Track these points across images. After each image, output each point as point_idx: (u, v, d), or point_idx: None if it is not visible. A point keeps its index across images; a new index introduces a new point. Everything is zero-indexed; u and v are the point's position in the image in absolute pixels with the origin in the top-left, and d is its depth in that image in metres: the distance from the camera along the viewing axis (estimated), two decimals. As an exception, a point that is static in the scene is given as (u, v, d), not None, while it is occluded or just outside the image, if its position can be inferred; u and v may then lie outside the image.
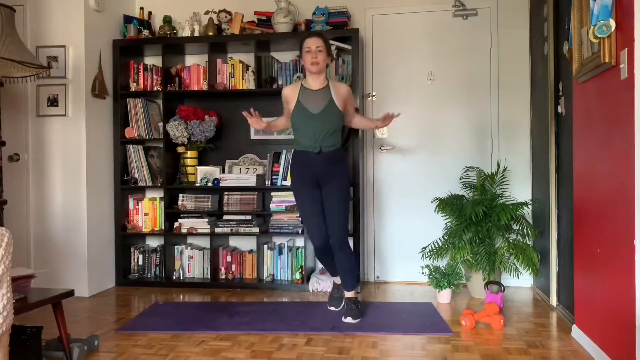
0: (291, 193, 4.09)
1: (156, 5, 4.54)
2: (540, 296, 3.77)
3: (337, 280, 3.48)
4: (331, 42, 4.03)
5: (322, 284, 3.97)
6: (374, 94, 4.32)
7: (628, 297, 2.18)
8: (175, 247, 4.31)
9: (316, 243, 3.28)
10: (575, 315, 2.88)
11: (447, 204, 3.85)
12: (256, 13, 4.27)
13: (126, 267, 4.30)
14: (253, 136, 4.38)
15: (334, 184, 3.22)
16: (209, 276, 4.18)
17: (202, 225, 4.20)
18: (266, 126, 3.27)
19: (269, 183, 4.11)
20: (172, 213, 4.25)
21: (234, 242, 4.45)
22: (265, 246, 4.16)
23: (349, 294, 3.30)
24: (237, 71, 4.19)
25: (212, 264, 4.14)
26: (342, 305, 3.40)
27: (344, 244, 3.25)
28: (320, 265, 4.34)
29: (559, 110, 3.33)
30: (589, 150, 2.66)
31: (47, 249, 3.88)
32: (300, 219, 3.86)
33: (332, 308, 3.44)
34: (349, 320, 3.15)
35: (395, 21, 4.31)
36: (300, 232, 4.06)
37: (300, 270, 4.09)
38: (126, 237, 4.29)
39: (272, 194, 4.15)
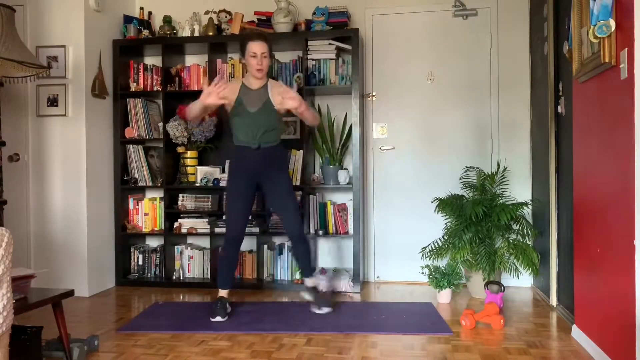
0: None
1: (156, 5, 4.54)
2: (540, 296, 3.77)
3: (225, 293, 3.34)
4: (331, 42, 4.05)
5: (322, 284, 3.96)
6: (374, 94, 4.32)
7: (628, 297, 2.18)
8: (175, 247, 4.31)
9: (231, 234, 3.29)
10: (575, 315, 2.88)
11: (447, 204, 3.85)
12: (256, 13, 4.27)
13: (126, 267, 4.30)
14: (253, 136, 4.38)
15: (277, 178, 3.32)
16: (209, 276, 4.18)
17: (202, 225, 4.20)
18: (206, 108, 3.21)
19: (269, 183, 4.11)
20: (172, 213, 4.25)
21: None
22: (265, 246, 4.16)
23: (309, 282, 3.42)
24: (237, 71, 4.19)
25: (212, 264, 4.14)
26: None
27: (303, 233, 3.37)
28: (320, 265, 4.34)
29: (559, 110, 3.33)
30: (589, 150, 2.66)
31: (47, 249, 3.88)
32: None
33: (218, 318, 3.21)
34: (325, 310, 3.28)
35: (395, 21, 4.31)
36: (300, 232, 4.06)
37: (300, 270, 4.08)
38: (126, 237, 4.29)
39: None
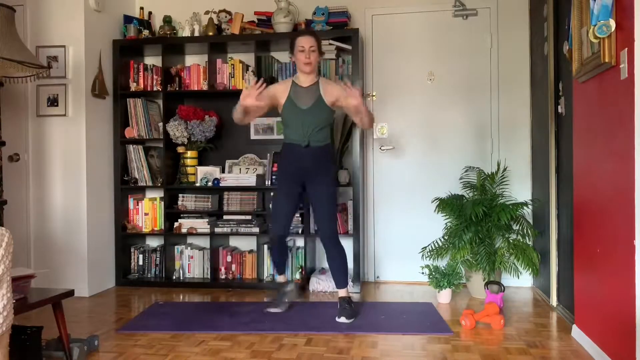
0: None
1: (156, 5, 4.54)
2: (540, 296, 3.77)
3: (282, 278, 3.50)
4: (331, 42, 4.05)
5: (322, 284, 3.97)
6: (374, 94, 4.32)
7: (628, 297, 2.18)
8: (175, 247, 4.31)
9: (276, 232, 3.32)
10: (575, 315, 2.88)
11: (447, 204, 3.85)
12: (256, 13, 4.27)
13: (126, 267, 4.30)
14: (253, 136, 4.38)
15: (320, 180, 3.27)
16: (209, 276, 4.18)
17: (202, 225, 4.20)
18: (248, 109, 3.11)
19: (269, 183, 4.11)
20: (172, 213, 4.25)
21: (234, 242, 4.45)
22: (265, 246, 4.16)
23: (342, 293, 3.31)
24: (237, 71, 4.19)
25: (212, 264, 4.14)
26: (286, 305, 3.38)
27: (336, 240, 3.29)
28: (320, 265, 4.34)
29: (559, 110, 3.33)
30: (589, 150, 2.66)
31: (47, 249, 3.88)
32: (271, 207, 3.64)
33: (275, 309, 3.33)
34: (342, 320, 3.14)
35: (395, 21, 4.31)
36: (300, 232, 4.06)
37: (300, 270, 4.09)
38: (126, 237, 4.29)
39: (272, 193, 4.14)
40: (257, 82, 3.06)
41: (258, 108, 3.14)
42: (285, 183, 3.31)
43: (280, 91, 3.29)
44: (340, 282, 3.31)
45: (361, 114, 3.15)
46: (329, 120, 3.32)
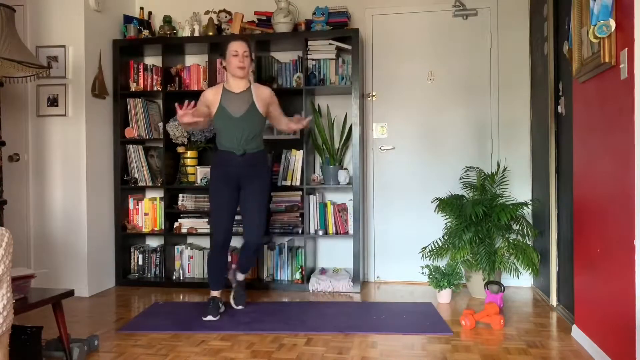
0: (291, 193, 4.13)
1: (156, 5, 4.54)
2: (540, 296, 3.77)
3: (217, 294, 3.40)
4: (331, 42, 4.05)
5: (322, 284, 3.97)
6: (374, 94, 4.32)
7: (628, 297, 2.18)
8: (175, 247, 4.31)
9: (218, 238, 3.32)
10: (575, 315, 2.88)
11: (447, 204, 3.85)
12: (256, 13, 4.27)
13: (126, 267, 4.30)
14: (253, 136, 4.37)
15: (255, 185, 3.31)
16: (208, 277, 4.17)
17: (202, 225, 4.20)
18: (192, 123, 3.09)
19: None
20: (172, 213, 4.25)
21: (234, 242, 4.40)
22: (265, 246, 4.15)
23: (241, 277, 3.53)
24: (237, 71, 4.18)
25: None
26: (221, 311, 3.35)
27: (259, 246, 3.41)
28: (320, 265, 4.34)
29: (559, 110, 3.33)
30: (589, 150, 2.66)
31: (47, 249, 3.88)
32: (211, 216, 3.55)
33: (210, 317, 3.23)
34: (239, 307, 3.40)
35: (395, 21, 4.30)
36: (300, 232, 4.06)
37: (300, 270, 4.09)
38: (126, 237, 4.29)
39: (272, 194, 4.15)
40: (182, 106, 3.00)
41: (199, 120, 3.10)
42: (224, 189, 3.31)
43: (212, 98, 3.28)
44: (245, 269, 3.53)
45: (286, 127, 3.36)
46: (262, 127, 3.36)
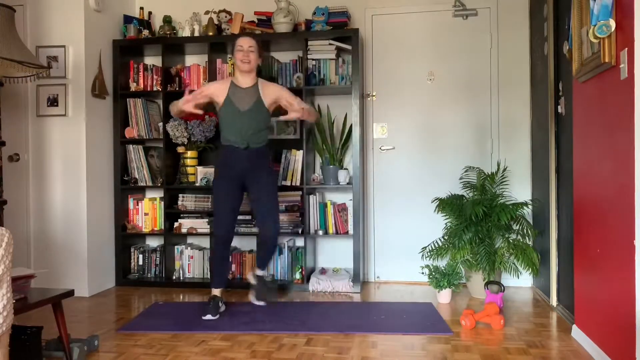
0: (291, 193, 4.13)
1: (156, 5, 4.54)
2: (540, 296, 3.77)
3: (217, 292, 3.38)
4: (331, 42, 4.05)
5: (322, 284, 3.97)
6: (374, 94, 4.32)
7: (628, 297, 2.18)
8: (175, 247, 4.31)
9: (220, 234, 3.33)
10: (575, 315, 2.88)
11: (447, 204, 3.85)
12: (256, 13, 4.27)
13: (126, 267, 4.30)
14: (253, 136, 4.37)
15: (262, 179, 3.35)
16: (208, 276, 4.17)
17: (202, 225, 4.20)
18: (189, 112, 3.29)
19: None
20: (172, 213, 4.25)
21: (234, 242, 4.41)
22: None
23: (259, 272, 3.52)
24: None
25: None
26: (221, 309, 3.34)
27: (277, 239, 3.42)
28: (320, 265, 4.34)
29: (559, 110, 3.34)
30: (589, 150, 2.66)
31: (47, 249, 3.88)
32: (214, 210, 3.53)
33: (209, 316, 3.22)
34: (259, 303, 3.43)
35: (395, 21, 4.30)
36: (300, 232, 4.06)
37: (300, 270, 4.09)
38: (126, 237, 4.29)
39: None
40: (191, 92, 3.20)
41: (198, 112, 3.31)
42: (227, 184, 3.34)
43: (219, 91, 3.33)
44: (264, 264, 3.53)
45: (304, 117, 3.37)
46: (267, 122, 3.40)
